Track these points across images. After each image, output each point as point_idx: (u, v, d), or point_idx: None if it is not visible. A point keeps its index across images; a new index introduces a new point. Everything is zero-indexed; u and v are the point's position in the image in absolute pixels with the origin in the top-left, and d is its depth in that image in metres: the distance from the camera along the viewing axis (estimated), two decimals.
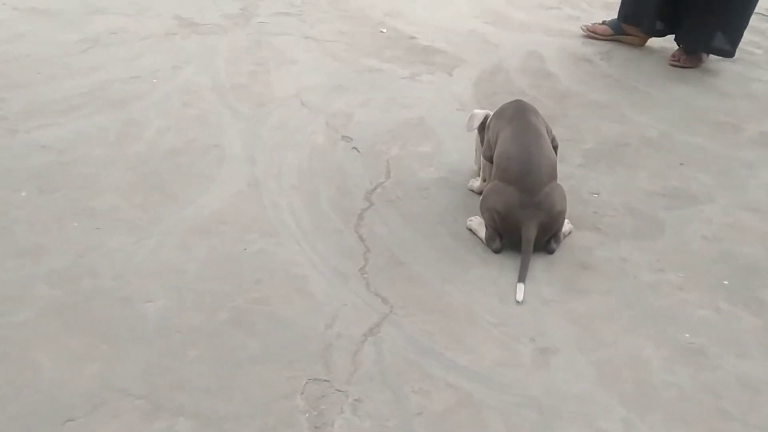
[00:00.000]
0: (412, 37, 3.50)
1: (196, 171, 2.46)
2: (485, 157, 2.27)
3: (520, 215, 2.04)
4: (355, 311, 1.90)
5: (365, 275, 2.03)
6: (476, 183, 2.39)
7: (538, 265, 2.09)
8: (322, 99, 2.95)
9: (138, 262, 2.05)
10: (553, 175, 2.10)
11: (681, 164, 2.52)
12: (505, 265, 2.08)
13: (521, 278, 1.99)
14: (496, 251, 2.11)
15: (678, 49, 3.18)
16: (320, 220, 2.24)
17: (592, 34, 3.41)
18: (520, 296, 1.95)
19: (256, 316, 1.89)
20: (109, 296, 1.94)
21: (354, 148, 2.63)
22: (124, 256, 2.07)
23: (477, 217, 2.21)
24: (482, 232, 2.16)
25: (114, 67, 3.10)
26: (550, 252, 2.12)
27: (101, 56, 3.20)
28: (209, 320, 1.87)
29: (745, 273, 2.05)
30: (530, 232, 2.03)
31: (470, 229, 2.21)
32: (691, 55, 3.14)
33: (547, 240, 2.11)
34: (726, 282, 2.01)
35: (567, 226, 2.18)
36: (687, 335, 1.85)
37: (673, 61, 3.17)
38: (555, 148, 2.18)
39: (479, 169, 2.39)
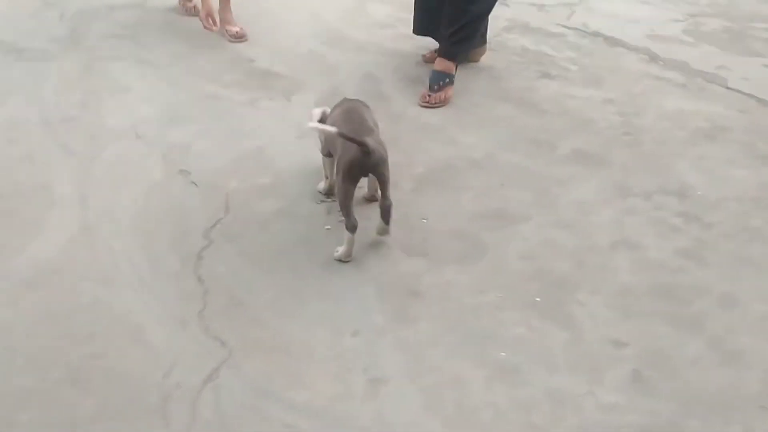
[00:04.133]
0: (251, 60, 3.53)
1: (25, 217, 2.40)
2: (323, 154, 2.51)
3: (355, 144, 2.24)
4: (194, 358, 1.95)
5: (204, 319, 2.07)
6: (322, 184, 2.59)
7: (371, 294, 2.21)
8: (159, 130, 2.94)
9: None
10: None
11: (502, 185, 2.73)
12: (342, 298, 2.19)
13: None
14: (355, 227, 2.29)
15: (426, 89, 3.20)
16: (157, 263, 2.26)
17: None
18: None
19: (91, 372, 1.88)
20: None
21: (192, 182, 2.65)
22: None
23: (338, 247, 2.33)
24: (346, 246, 2.31)
25: None
26: (384, 233, 2.38)
27: None
28: (42, 380, 1.85)
29: (555, 289, 2.27)
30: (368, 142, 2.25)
31: (340, 259, 2.32)
32: (436, 92, 3.17)
33: (385, 213, 2.35)
34: (538, 299, 2.23)
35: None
36: (503, 354, 2.03)
37: (422, 102, 3.16)
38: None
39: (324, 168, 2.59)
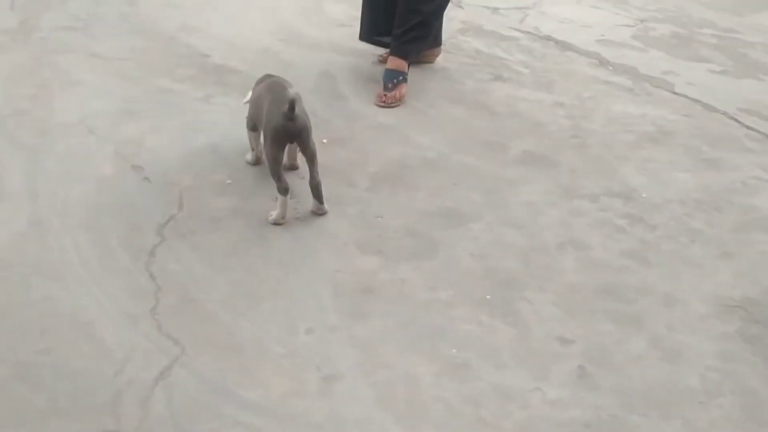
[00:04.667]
0: (206, 55, 3.51)
1: None
2: (249, 128, 2.68)
3: (280, 117, 2.36)
4: (146, 355, 1.94)
5: (156, 316, 2.07)
6: (249, 155, 2.75)
7: (325, 291, 2.24)
8: (111, 124, 2.91)
9: None
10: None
11: (454, 184, 2.78)
12: (296, 295, 2.21)
13: None
14: (286, 190, 2.41)
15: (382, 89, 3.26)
16: (108, 260, 2.24)
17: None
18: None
19: (41, 369, 1.87)
20: None
21: (145, 178, 2.63)
22: None
23: (272, 211, 2.45)
24: (279, 208, 2.43)
25: None
26: (320, 211, 2.49)
27: None
28: None
29: (504, 287, 2.32)
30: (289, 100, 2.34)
31: (275, 222, 2.44)
32: (391, 90, 3.22)
33: (316, 191, 2.47)
34: (488, 296, 2.28)
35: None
36: (454, 350, 2.08)
37: (378, 101, 3.22)
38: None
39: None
